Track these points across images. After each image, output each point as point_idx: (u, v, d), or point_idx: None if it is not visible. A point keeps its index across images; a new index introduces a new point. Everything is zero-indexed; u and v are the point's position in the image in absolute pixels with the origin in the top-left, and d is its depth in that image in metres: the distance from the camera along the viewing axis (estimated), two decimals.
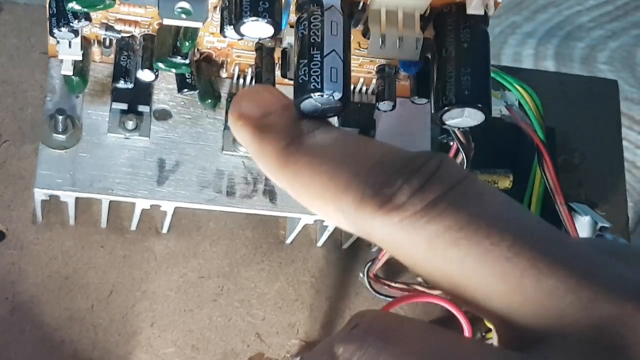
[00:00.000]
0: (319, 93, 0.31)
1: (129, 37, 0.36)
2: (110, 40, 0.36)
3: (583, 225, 0.44)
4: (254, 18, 0.29)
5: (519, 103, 0.43)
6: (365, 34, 0.35)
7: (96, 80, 0.38)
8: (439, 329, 0.21)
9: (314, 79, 0.31)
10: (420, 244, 0.21)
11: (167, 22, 0.28)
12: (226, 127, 0.39)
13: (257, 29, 0.30)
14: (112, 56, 0.37)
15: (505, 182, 0.42)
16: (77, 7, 0.29)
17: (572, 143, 0.49)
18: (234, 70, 0.39)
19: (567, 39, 0.54)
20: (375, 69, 0.38)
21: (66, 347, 0.38)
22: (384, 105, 0.37)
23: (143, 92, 0.38)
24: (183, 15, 0.28)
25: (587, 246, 0.21)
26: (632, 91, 0.54)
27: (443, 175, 0.21)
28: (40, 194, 0.37)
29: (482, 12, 0.32)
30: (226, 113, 0.39)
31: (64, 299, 0.39)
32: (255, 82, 0.36)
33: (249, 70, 0.39)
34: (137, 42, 0.36)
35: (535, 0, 0.53)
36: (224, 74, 0.39)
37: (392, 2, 0.32)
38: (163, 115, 0.39)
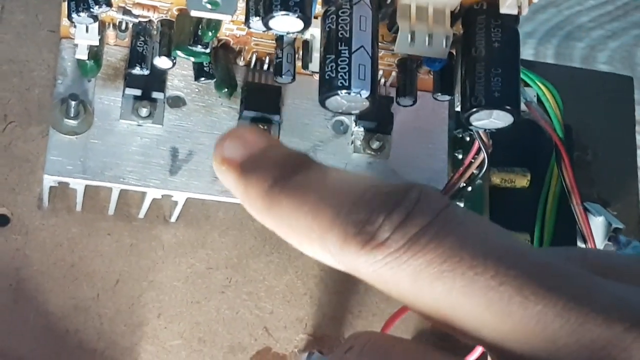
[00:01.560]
0: (346, 91, 0.30)
1: (146, 21, 0.34)
2: (127, 24, 0.35)
3: (597, 226, 0.43)
4: (284, 12, 0.28)
5: (538, 99, 0.42)
6: (391, 27, 0.34)
7: (109, 64, 0.37)
8: (433, 351, 0.21)
9: (341, 75, 0.30)
10: (406, 279, 0.21)
11: (195, 13, 0.27)
12: (241, 117, 0.38)
13: (287, 23, 0.29)
14: (126, 39, 0.36)
15: (523, 181, 0.41)
16: None
17: (585, 140, 0.49)
18: (251, 58, 0.38)
19: (567, 39, 0.53)
20: (396, 62, 0.37)
21: (71, 336, 0.37)
22: (405, 101, 0.37)
23: (157, 79, 0.36)
24: (210, 7, 0.27)
25: (577, 265, 0.21)
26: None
27: (423, 207, 0.21)
28: (49, 181, 0.35)
29: (515, 12, 0.31)
30: (241, 102, 0.38)
31: (69, 288, 0.38)
32: (275, 74, 0.35)
33: (267, 59, 0.38)
34: (155, 27, 0.35)
35: None
36: (241, 62, 0.37)
37: None
38: (177, 103, 0.37)
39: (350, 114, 0.33)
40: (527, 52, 0.53)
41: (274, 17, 0.28)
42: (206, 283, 0.40)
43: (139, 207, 0.40)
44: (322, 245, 0.22)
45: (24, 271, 0.38)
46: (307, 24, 0.29)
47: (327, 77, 0.30)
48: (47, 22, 0.42)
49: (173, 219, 0.40)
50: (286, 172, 0.25)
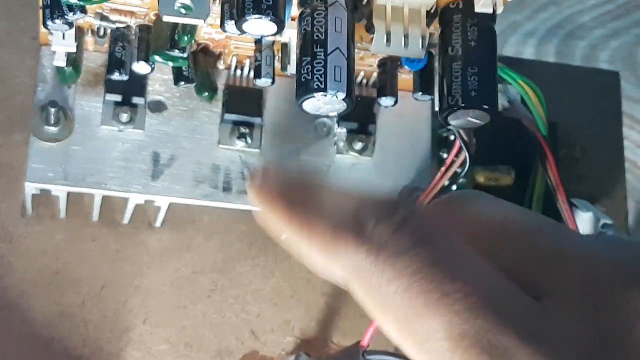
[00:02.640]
0: (322, 93, 0.30)
1: (124, 27, 0.34)
2: (105, 30, 0.35)
3: (584, 222, 0.43)
4: (257, 15, 0.28)
5: (522, 98, 0.42)
6: (369, 29, 0.33)
7: (89, 70, 0.37)
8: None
9: (317, 77, 0.30)
10: (377, 281, 0.22)
11: (167, 19, 0.27)
12: (222, 120, 0.38)
13: (260, 26, 0.29)
14: (106, 45, 0.36)
15: (507, 179, 0.41)
16: (73, 0, 0.28)
17: (572, 136, 0.48)
18: (231, 61, 0.38)
19: (568, 38, 0.53)
20: (376, 62, 0.37)
21: (56, 343, 0.37)
22: (386, 101, 0.36)
23: (137, 84, 0.36)
24: (183, 11, 0.27)
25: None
26: (633, 90, 0.53)
27: (404, 222, 0.23)
28: (31, 188, 0.35)
29: (490, 11, 0.31)
30: (222, 105, 0.38)
31: (54, 294, 0.38)
32: (255, 76, 0.35)
33: (247, 62, 0.38)
34: (133, 32, 0.35)
35: None
36: (221, 66, 0.37)
37: None
38: (158, 107, 0.37)
39: (328, 116, 0.33)
40: (528, 52, 0.53)
41: (247, 20, 0.28)
42: (192, 287, 0.40)
43: (123, 213, 0.39)
44: (319, 251, 0.24)
45: (8, 279, 0.38)
46: (280, 27, 0.29)
47: (303, 80, 0.30)
48: (29, 29, 0.42)
49: (158, 224, 0.40)
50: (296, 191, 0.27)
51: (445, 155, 0.43)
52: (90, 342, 0.38)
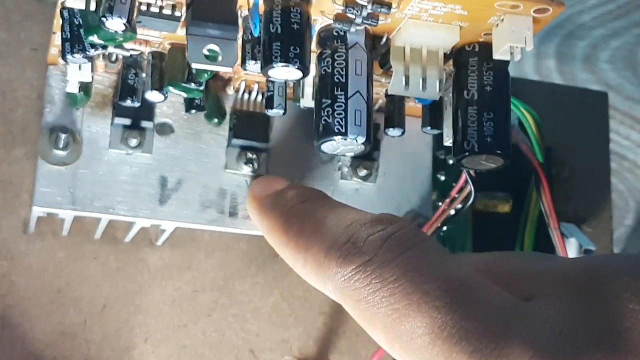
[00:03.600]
0: (342, 137, 0.30)
1: (137, 54, 0.34)
2: (117, 56, 0.35)
3: (570, 246, 0.44)
4: (284, 64, 0.28)
5: (520, 123, 0.43)
6: (383, 65, 0.34)
7: (97, 92, 0.36)
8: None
9: (337, 121, 0.30)
10: (364, 295, 0.25)
11: (195, 66, 0.27)
12: (229, 144, 0.38)
13: (285, 72, 0.29)
14: (116, 67, 0.36)
15: (505, 207, 0.42)
16: (97, 40, 0.28)
17: (561, 156, 0.49)
18: (239, 85, 0.38)
19: (568, 38, 0.54)
20: (384, 92, 0.38)
21: None
22: (394, 132, 0.37)
23: (146, 107, 0.36)
24: (209, 60, 0.27)
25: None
26: (634, 90, 0.54)
27: (392, 237, 0.26)
28: (38, 212, 0.35)
29: (508, 58, 0.31)
30: (230, 130, 0.38)
31: (55, 313, 0.38)
32: (266, 107, 0.35)
33: (255, 86, 0.38)
34: (145, 58, 0.34)
35: None
36: (230, 91, 0.37)
37: (416, 40, 0.32)
38: (165, 130, 0.37)
39: (345, 155, 0.34)
40: (528, 52, 0.53)
41: (273, 67, 0.28)
42: (192, 306, 0.40)
43: (124, 230, 0.39)
44: (312, 266, 0.28)
45: (10, 297, 0.38)
46: (305, 74, 0.29)
47: (323, 122, 0.30)
48: (29, 40, 0.41)
49: (159, 243, 0.40)
50: (293, 203, 0.31)
51: (442, 178, 0.43)
52: None
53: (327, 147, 0.31)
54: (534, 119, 0.42)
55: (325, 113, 0.30)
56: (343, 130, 0.30)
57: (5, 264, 0.38)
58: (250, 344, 0.40)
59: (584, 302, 0.23)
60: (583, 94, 0.52)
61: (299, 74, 0.29)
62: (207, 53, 0.27)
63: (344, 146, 0.31)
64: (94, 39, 0.28)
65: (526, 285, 0.25)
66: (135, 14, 0.27)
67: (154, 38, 0.33)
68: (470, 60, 0.32)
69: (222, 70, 0.28)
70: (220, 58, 0.27)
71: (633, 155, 0.52)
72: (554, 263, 0.26)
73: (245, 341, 0.40)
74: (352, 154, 0.31)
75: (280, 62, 0.28)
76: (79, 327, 0.38)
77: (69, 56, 0.30)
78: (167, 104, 0.37)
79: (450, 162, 0.43)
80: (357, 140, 0.30)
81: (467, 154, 0.31)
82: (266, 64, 0.28)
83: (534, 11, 0.30)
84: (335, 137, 0.30)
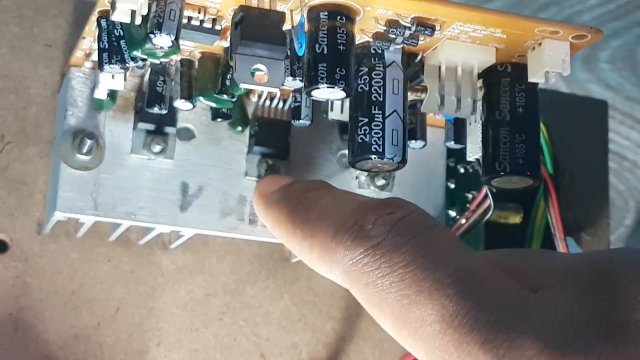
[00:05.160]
0: (379, 156, 0.30)
1: (166, 61, 0.34)
2: (145, 61, 0.34)
3: None
4: (330, 85, 0.28)
5: None
6: (412, 80, 0.34)
7: (120, 94, 0.36)
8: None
9: (375, 140, 0.30)
10: (373, 279, 0.25)
11: (243, 86, 0.26)
12: (250, 151, 0.37)
13: (329, 93, 0.29)
14: (140, 71, 0.36)
15: (516, 218, 0.42)
16: (140, 55, 0.28)
17: (562, 163, 0.50)
18: (261, 92, 0.37)
19: None
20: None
21: None
22: (416, 144, 0.37)
23: (169, 112, 0.36)
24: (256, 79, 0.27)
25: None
26: (634, 90, 0.55)
27: (401, 221, 0.26)
28: (60, 216, 0.35)
29: (543, 81, 0.31)
30: (250, 136, 0.38)
31: (69, 316, 0.38)
32: (293, 118, 0.35)
33: (277, 93, 0.37)
34: (174, 65, 0.34)
35: None
36: (254, 99, 0.37)
37: (452, 59, 0.32)
38: (186, 135, 0.37)
39: (378, 173, 0.34)
40: None
41: (318, 88, 0.28)
42: (204, 310, 0.40)
43: (138, 233, 0.39)
44: (318, 251, 0.27)
45: (23, 299, 0.37)
46: (349, 95, 0.29)
47: (360, 141, 0.30)
48: (42, 35, 0.40)
49: (173, 246, 0.40)
50: (298, 194, 0.31)
51: (452, 186, 0.44)
52: None
53: (362, 165, 0.31)
54: (547, 129, 0.43)
55: (362, 131, 0.30)
56: (380, 150, 0.30)
57: (20, 265, 0.38)
58: (260, 348, 0.41)
59: (594, 295, 0.23)
60: (583, 101, 0.53)
61: (343, 95, 0.29)
62: (253, 71, 0.27)
63: (380, 164, 0.31)
64: (138, 53, 0.28)
65: (535, 278, 0.25)
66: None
67: (186, 47, 0.33)
68: (502, 80, 0.33)
69: (269, 90, 0.28)
70: (267, 78, 0.27)
71: (633, 155, 0.53)
72: (563, 257, 0.26)
73: (256, 345, 0.41)
74: (385, 172, 0.32)
75: (326, 83, 0.28)
76: (92, 330, 0.38)
77: (106, 66, 0.29)
78: None
79: (462, 170, 0.44)
80: (393, 160, 0.30)
81: (498, 174, 0.32)
82: (311, 84, 0.28)
83: (572, 37, 0.30)
84: (372, 157, 0.30)
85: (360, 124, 0.30)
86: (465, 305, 0.23)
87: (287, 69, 0.30)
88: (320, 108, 0.36)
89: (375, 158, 0.30)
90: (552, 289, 0.24)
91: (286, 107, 0.37)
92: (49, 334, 0.37)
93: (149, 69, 0.34)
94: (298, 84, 0.30)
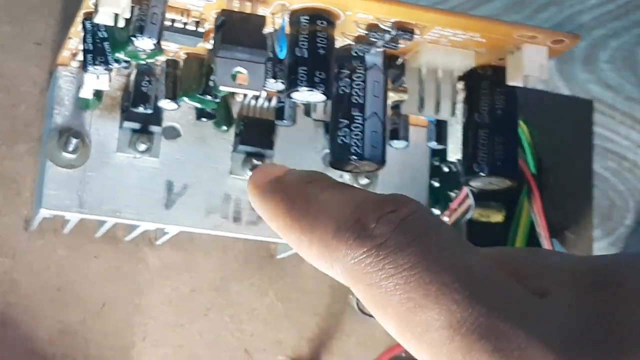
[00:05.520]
0: (358, 158, 0.31)
1: (152, 61, 0.34)
2: (128, 63, 0.35)
3: None
4: (309, 88, 0.28)
5: None
6: (395, 81, 0.34)
7: (106, 94, 0.36)
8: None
9: (355, 142, 0.31)
10: (377, 279, 0.24)
11: (224, 89, 0.27)
12: (235, 150, 0.38)
13: (309, 95, 0.29)
14: (126, 70, 0.36)
15: (498, 217, 0.43)
16: (123, 57, 0.28)
17: (546, 163, 0.51)
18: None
19: None
20: (390, 104, 0.38)
21: None
22: (398, 143, 0.38)
23: (154, 111, 0.36)
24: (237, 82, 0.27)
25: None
26: (634, 90, 0.55)
27: (404, 219, 0.24)
28: (45, 213, 0.35)
29: (521, 85, 0.32)
30: (235, 135, 0.38)
31: (56, 312, 0.38)
32: (277, 118, 0.35)
33: (263, 93, 0.38)
34: (159, 66, 0.34)
35: None
36: (239, 98, 0.38)
37: (432, 63, 0.32)
38: (172, 134, 0.37)
39: (359, 173, 0.34)
40: None
41: (298, 90, 0.29)
42: (190, 306, 0.41)
43: (124, 230, 0.40)
44: (318, 247, 0.26)
45: (11, 295, 0.38)
46: (328, 98, 0.29)
47: (340, 142, 0.31)
48: (32, 34, 0.41)
49: (159, 243, 0.40)
50: (296, 185, 0.29)
51: (437, 184, 0.44)
52: None
53: (342, 165, 0.31)
54: (529, 129, 0.43)
55: (343, 133, 0.31)
56: (360, 152, 0.30)
57: (7, 261, 0.38)
58: (245, 343, 0.41)
59: (601, 303, 0.23)
60: (568, 101, 0.54)
61: (323, 98, 0.29)
62: (234, 74, 0.27)
63: (359, 165, 0.31)
64: (121, 55, 0.28)
65: (540, 281, 0.25)
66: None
67: (170, 47, 0.33)
68: (482, 83, 0.33)
69: (249, 93, 0.28)
70: (247, 81, 0.27)
71: (633, 155, 0.53)
72: (569, 260, 0.26)
73: (240, 341, 0.41)
74: (365, 172, 0.32)
75: (306, 86, 0.28)
76: (79, 326, 0.39)
77: (90, 67, 0.30)
78: None
79: (446, 169, 0.44)
80: (372, 161, 0.31)
81: (477, 176, 0.32)
82: (291, 87, 0.29)
83: (551, 42, 0.31)
84: (352, 157, 0.31)
85: (340, 125, 0.31)
86: (473, 312, 0.23)
87: (269, 71, 0.30)
88: (303, 108, 0.36)
89: (355, 159, 0.31)
90: (558, 294, 0.24)
91: (271, 106, 0.38)
92: (36, 330, 0.38)
93: (135, 69, 0.34)
94: (280, 86, 0.30)
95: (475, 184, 0.33)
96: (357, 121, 0.31)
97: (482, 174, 0.32)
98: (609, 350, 0.22)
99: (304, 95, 0.29)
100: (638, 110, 0.54)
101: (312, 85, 0.28)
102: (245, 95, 0.38)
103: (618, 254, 0.26)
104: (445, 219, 0.39)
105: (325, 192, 0.29)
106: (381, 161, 0.31)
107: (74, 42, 0.33)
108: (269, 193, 0.31)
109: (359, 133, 0.31)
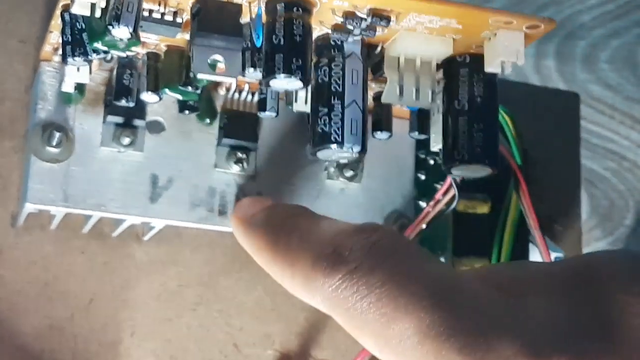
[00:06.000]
0: (338, 145, 0.31)
1: (133, 54, 0.34)
2: (112, 55, 0.35)
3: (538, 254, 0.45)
4: (287, 75, 0.29)
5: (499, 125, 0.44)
6: (376, 72, 0.35)
7: (89, 88, 0.37)
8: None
9: (334, 130, 0.31)
10: (353, 302, 0.26)
11: (201, 76, 0.27)
12: (219, 144, 0.38)
13: (287, 83, 0.29)
14: (108, 65, 0.36)
15: (484, 208, 0.43)
16: (101, 47, 0.28)
17: (533, 155, 0.51)
18: (230, 84, 0.38)
19: (568, 38, 0.54)
20: (372, 95, 0.38)
21: (46, 356, 0.38)
22: (381, 135, 0.38)
23: (138, 105, 0.36)
24: (214, 69, 0.28)
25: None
26: (634, 90, 0.55)
27: (376, 245, 0.26)
28: (30, 208, 0.36)
29: (499, 72, 0.32)
30: (220, 129, 0.38)
31: (43, 307, 0.38)
32: (259, 109, 0.35)
33: (246, 87, 0.38)
34: (140, 59, 0.35)
35: None
36: (222, 91, 0.38)
37: (411, 51, 0.32)
38: (156, 128, 0.38)
39: (339, 161, 0.34)
40: (528, 51, 0.54)
41: (275, 78, 0.29)
42: (178, 301, 0.41)
43: (112, 225, 0.40)
44: (299, 279, 0.28)
45: None
46: (306, 85, 0.30)
47: (320, 130, 0.31)
48: (17, 32, 0.41)
49: (146, 238, 0.40)
50: (279, 219, 0.31)
51: (423, 177, 0.44)
52: (79, 356, 0.39)
53: (323, 154, 0.32)
54: (512, 121, 0.43)
55: (322, 122, 0.31)
56: (340, 140, 0.31)
57: None
58: (233, 338, 0.41)
59: (570, 297, 0.24)
60: (554, 94, 0.54)
61: (300, 85, 0.29)
62: (210, 62, 0.28)
63: (339, 154, 0.31)
64: (99, 45, 0.28)
65: (516, 287, 0.26)
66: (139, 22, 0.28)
67: (150, 40, 0.34)
68: (461, 70, 0.33)
69: (226, 80, 0.29)
70: (224, 68, 0.27)
71: (633, 155, 0.53)
72: (542, 266, 0.27)
73: (229, 336, 0.41)
74: (345, 160, 0.32)
75: (283, 73, 0.29)
76: (66, 321, 0.39)
77: (69, 59, 0.30)
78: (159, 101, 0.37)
79: (432, 162, 0.44)
80: (352, 149, 0.31)
81: (457, 163, 0.32)
82: (268, 74, 0.29)
83: (526, 27, 0.31)
84: (331, 146, 0.31)
85: (320, 114, 0.31)
86: (441, 315, 0.24)
87: (248, 60, 0.31)
88: (286, 100, 0.36)
89: (334, 147, 0.31)
90: (531, 294, 0.25)
91: (255, 99, 0.38)
92: (23, 325, 0.38)
93: (117, 63, 0.35)
94: (259, 75, 0.30)
95: (457, 172, 0.33)
96: (336, 109, 0.31)
97: (462, 161, 0.32)
98: (580, 343, 0.22)
99: (282, 83, 0.29)
100: (638, 110, 0.54)
101: (289, 72, 0.29)
102: (228, 89, 0.38)
103: (590, 253, 0.27)
104: (430, 210, 0.39)
105: (305, 225, 0.30)
106: (361, 149, 0.31)
107: (55, 35, 0.34)
108: (253, 227, 0.32)
109: (339, 121, 0.31)
